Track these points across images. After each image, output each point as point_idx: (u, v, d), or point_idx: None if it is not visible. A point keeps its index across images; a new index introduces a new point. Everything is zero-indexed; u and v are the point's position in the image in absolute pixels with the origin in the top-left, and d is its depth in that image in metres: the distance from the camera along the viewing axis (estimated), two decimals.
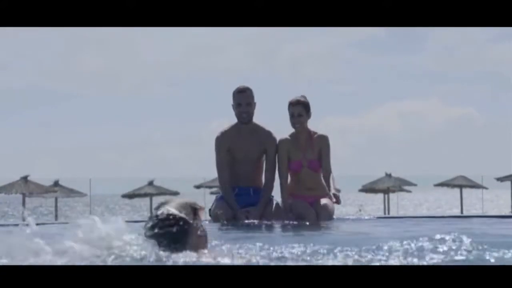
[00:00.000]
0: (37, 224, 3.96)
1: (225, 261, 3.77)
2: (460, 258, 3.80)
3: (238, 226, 7.16)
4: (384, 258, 3.83)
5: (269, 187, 7.73)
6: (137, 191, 31.89)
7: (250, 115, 7.72)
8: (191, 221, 3.85)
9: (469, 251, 3.91)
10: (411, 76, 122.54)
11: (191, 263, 3.63)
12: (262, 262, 3.82)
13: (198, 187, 31.85)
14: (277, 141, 7.75)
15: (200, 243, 3.89)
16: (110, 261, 3.61)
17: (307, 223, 7.22)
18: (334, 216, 7.65)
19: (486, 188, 33.37)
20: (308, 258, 3.91)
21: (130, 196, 32.43)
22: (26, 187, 27.35)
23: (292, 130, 7.79)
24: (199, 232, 3.90)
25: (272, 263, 3.81)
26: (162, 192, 31.45)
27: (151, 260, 3.65)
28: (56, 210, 30.40)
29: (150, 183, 31.63)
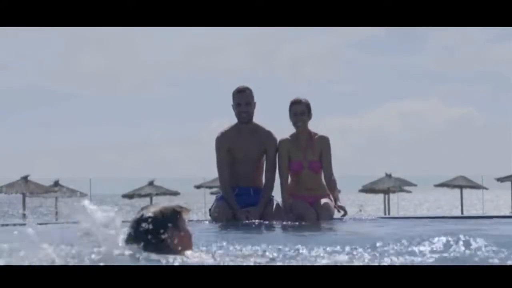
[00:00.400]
0: (38, 224, 3.96)
1: (209, 261, 3.80)
2: (460, 258, 3.80)
3: (238, 226, 7.16)
4: (384, 258, 3.83)
5: (269, 187, 7.73)
6: (137, 191, 31.91)
7: (250, 115, 7.72)
8: (169, 224, 3.89)
9: (469, 252, 3.91)
10: (411, 76, 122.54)
11: (176, 264, 3.65)
12: (262, 262, 3.82)
13: (198, 187, 31.87)
14: (278, 141, 7.75)
15: (183, 244, 3.92)
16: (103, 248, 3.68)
17: (307, 223, 7.22)
18: (334, 216, 7.65)
19: (486, 189, 33.38)
20: (308, 258, 3.91)
21: (130, 196, 32.42)
22: (26, 187, 27.38)
23: (292, 130, 7.78)
24: (182, 233, 3.93)
25: (272, 263, 3.81)
26: (162, 192, 31.50)
27: (140, 258, 3.70)
28: (56, 210, 30.39)
29: (150, 183, 31.66)
